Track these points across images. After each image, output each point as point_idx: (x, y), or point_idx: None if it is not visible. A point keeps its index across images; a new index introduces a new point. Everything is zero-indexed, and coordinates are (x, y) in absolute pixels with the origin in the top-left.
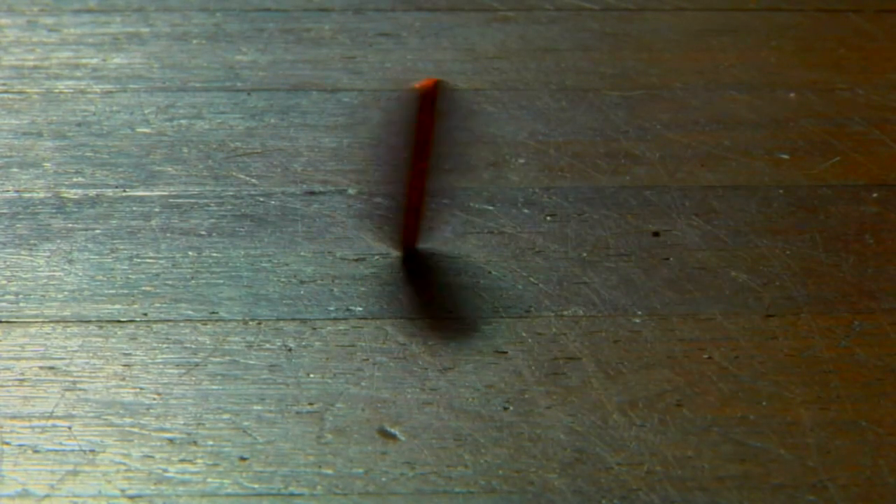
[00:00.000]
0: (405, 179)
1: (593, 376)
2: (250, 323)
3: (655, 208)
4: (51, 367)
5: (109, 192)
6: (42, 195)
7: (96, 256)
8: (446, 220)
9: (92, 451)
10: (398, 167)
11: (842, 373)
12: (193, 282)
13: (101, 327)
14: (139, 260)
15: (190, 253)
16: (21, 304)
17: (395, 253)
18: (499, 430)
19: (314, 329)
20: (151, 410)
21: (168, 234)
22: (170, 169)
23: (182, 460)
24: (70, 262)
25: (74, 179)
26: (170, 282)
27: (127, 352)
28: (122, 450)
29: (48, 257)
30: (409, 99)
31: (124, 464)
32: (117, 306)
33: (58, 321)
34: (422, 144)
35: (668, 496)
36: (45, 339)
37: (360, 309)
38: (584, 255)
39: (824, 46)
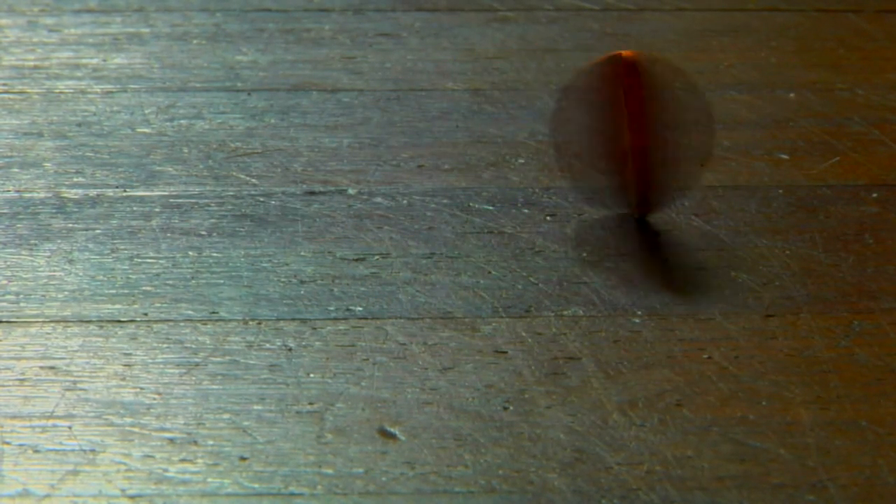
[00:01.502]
0: (626, 149)
1: (593, 376)
2: (250, 323)
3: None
4: (51, 367)
5: (110, 192)
6: (42, 195)
7: (97, 256)
8: (672, 189)
9: (92, 450)
10: (615, 138)
11: (841, 373)
12: (194, 282)
13: (101, 327)
14: (139, 260)
15: (190, 253)
16: (21, 304)
17: (634, 215)
18: (499, 430)
19: (314, 329)
20: (152, 410)
21: (168, 234)
22: (170, 169)
23: (182, 460)
24: (70, 262)
25: (75, 179)
26: (170, 282)
27: (127, 352)
28: (122, 449)
29: (48, 257)
30: (613, 69)
31: (125, 463)
32: (118, 306)
33: (58, 321)
34: (635, 114)
35: (668, 496)
36: (46, 339)
37: (360, 309)
38: (584, 255)
39: (824, 47)
